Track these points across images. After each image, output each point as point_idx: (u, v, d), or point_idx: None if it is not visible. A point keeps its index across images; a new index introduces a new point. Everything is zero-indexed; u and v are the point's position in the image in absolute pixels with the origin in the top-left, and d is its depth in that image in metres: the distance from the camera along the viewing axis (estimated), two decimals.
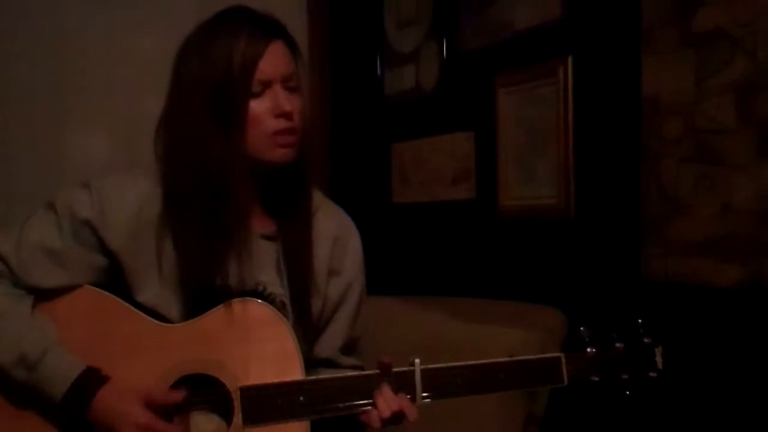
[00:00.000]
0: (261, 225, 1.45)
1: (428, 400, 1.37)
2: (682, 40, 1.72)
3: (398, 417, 1.35)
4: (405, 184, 2.67)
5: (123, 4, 2.59)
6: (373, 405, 1.35)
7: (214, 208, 1.36)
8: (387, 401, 1.35)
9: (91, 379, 1.33)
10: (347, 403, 1.36)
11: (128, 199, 1.39)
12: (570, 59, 1.98)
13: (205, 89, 1.34)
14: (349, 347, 1.56)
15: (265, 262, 1.44)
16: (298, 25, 1.46)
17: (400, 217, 2.69)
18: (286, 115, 1.37)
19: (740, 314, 1.63)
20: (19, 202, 2.39)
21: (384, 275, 1.76)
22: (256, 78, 1.35)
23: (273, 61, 1.36)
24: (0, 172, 2.47)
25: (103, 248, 1.38)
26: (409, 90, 2.62)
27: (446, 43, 2.43)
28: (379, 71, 2.76)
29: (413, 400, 1.37)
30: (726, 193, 1.65)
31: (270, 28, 1.39)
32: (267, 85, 1.36)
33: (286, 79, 1.38)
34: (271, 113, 1.36)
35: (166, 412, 1.34)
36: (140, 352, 1.36)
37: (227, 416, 1.35)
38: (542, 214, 2.09)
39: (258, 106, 1.36)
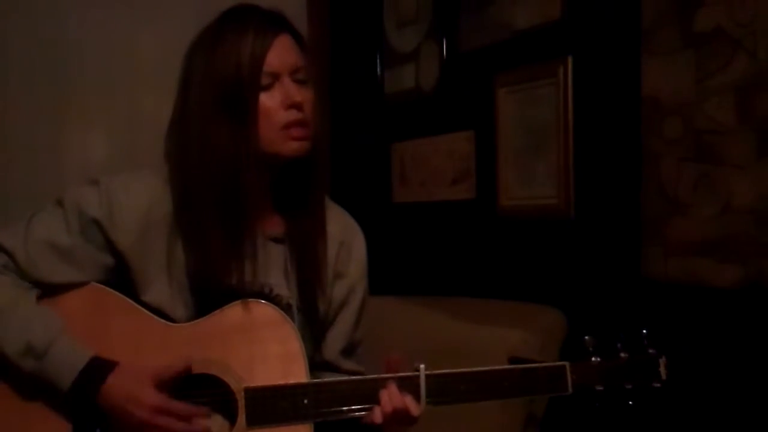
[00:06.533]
0: (270, 226, 1.45)
1: (432, 405, 1.35)
2: (682, 40, 1.72)
3: (401, 415, 1.33)
4: (405, 184, 2.67)
5: (123, 3, 2.59)
6: (377, 401, 1.34)
7: (226, 208, 1.35)
8: (391, 397, 1.33)
9: (99, 368, 1.31)
10: (352, 407, 1.34)
11: (137, 198, 1.38)
12: (570, 59, 1.98)
13: (215, 86, 1.34)
14: (350, 350, 1.55)
15: (272, 265, 1.43)
16: (298, 24, 1.45)
17: (400, 217, 2.69)
18: (297, 106, 1.37)
19: (740, 314, 1.63)
20: (18, 202, 2.38)
21: (384, 275, 1.76)
22: (265, 71, 1.35)
23: (280, 53, 1.37)
24: None
25: (111, 247, 1.37)
26: (409, 90, 2.62)
27: (446, 43, 2.43)
28: (379, 71, 2.76)
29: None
30: (726, 193, 1.65)
31: (276, 22, 1.40)
32: (276, 77, 1.36)
33: (294, 71, 1.38)
34: (281, 105, 1.36)
35: (174, 388, 1.33)
36: (144, 351, 1.35)
37: (231, 417, 1.35)
38: (542, 214, 2.09)
39: (268, 99, 1.36)
